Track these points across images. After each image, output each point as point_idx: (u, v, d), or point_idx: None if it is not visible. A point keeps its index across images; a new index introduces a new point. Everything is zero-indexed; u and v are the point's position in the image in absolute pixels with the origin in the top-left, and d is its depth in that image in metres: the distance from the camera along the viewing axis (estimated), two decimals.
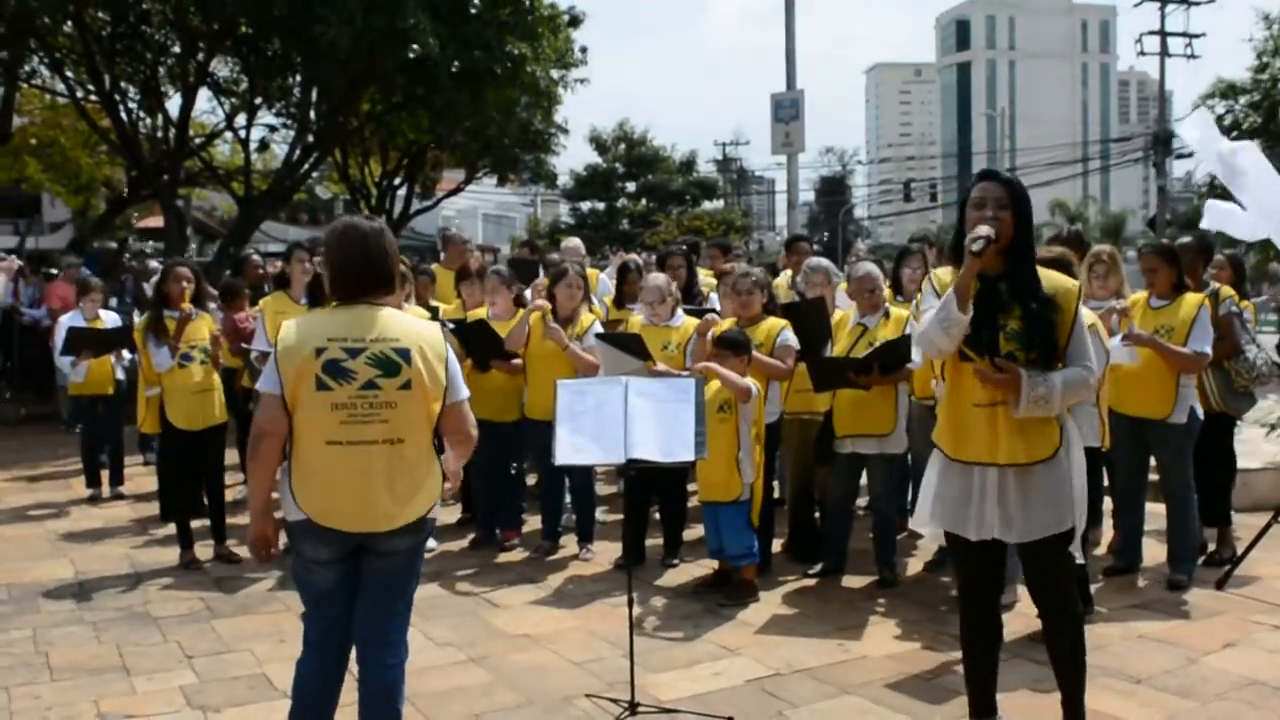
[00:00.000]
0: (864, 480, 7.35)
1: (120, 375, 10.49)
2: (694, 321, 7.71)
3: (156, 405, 7.88)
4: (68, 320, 10.41)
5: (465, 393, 4.21)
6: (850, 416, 6.99)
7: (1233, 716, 4.94)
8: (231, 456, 8.99)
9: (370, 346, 3.94)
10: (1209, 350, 6.69)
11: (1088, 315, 5.07)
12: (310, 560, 4.09)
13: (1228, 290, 7.45)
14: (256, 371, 8.38)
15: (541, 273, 9.98)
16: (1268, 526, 6.98)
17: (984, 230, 4.09)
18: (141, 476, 10.53)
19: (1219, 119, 27.94)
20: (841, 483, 7.19)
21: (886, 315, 7.12)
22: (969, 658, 4.54)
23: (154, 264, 14.94)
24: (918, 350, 6.88)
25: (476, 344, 7.75)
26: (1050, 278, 4.31)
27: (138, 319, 10.23)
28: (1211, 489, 7.40)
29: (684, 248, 9.61)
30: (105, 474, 10.33)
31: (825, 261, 8.47)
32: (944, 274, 4.40)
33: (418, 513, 4.02)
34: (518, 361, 7.74)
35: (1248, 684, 5.27)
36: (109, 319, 10.56)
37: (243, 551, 7.89)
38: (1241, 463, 8.09)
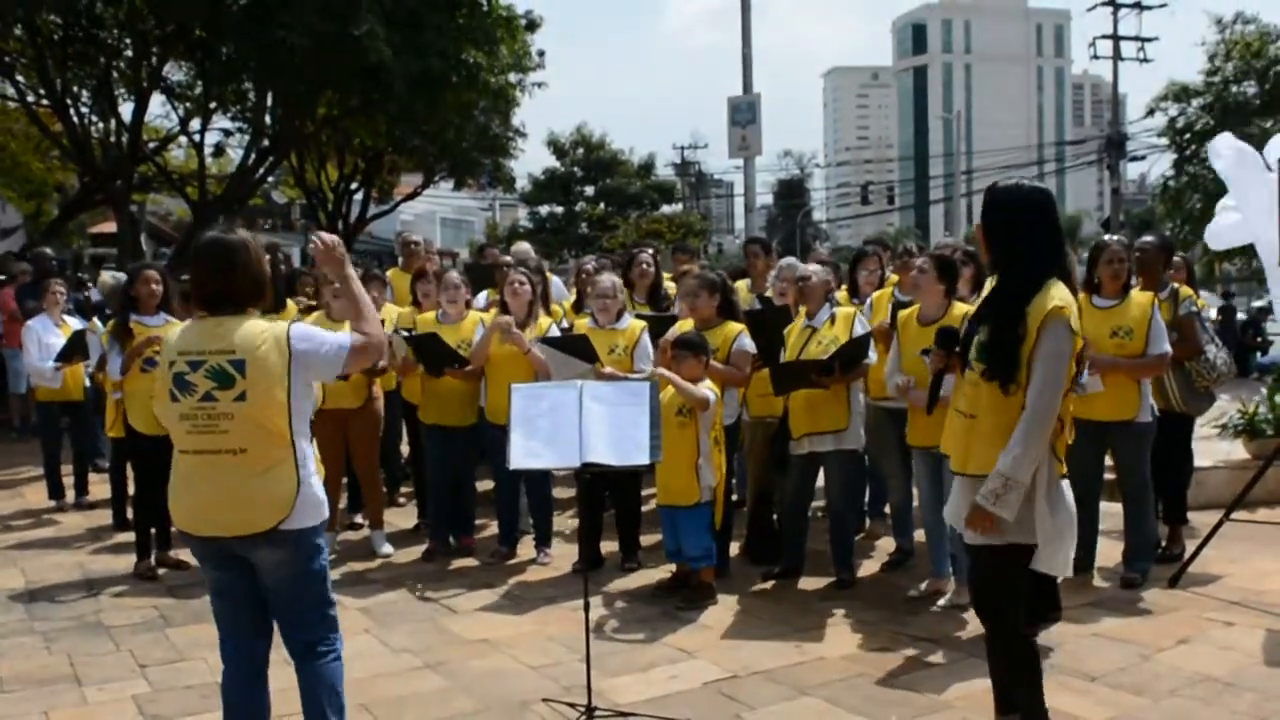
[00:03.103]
0: (822, 482, 7.37)
1: (87, 382, 10.26)
2: (640, 324, 7.69)
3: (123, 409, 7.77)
4: (38, 325, 10.19)
5: (342, 346, 4.07)
6: (805, 416, 6.98)
7: (1185, 713, 4.97)
8: None
9: (209, 359, 3.95)
10: (1169, 348, 6.74)
11: None
12: (196, 556, 4.26)
13: (1187, 290, 7.45)
14: None
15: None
16: (1219, 524, 7.04)
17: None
18: (97, 485, 10.35)
19: (1171, 121, 28.31)
20: (796, 484, 7.20)
21: (832, 319, 7.08)
22: (990, 656, 4.50)
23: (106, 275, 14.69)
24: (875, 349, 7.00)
25: (428, 354, 7.71)
26: (1046, 295, 4.09)
27: (79, 323, 10.09)
28: (1170, 489, 7.48)
29: (650, 250, 9.57)
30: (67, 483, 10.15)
31: (797, 262, 8.48)
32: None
33: (266, 522, 3.94)
34: (472, 368, 7.68)
35: (1200, 680, 5.32)
36: (73, 324, 10.32)
37: (187, 556, 7.85)
38: (1195, 461, 8.14)
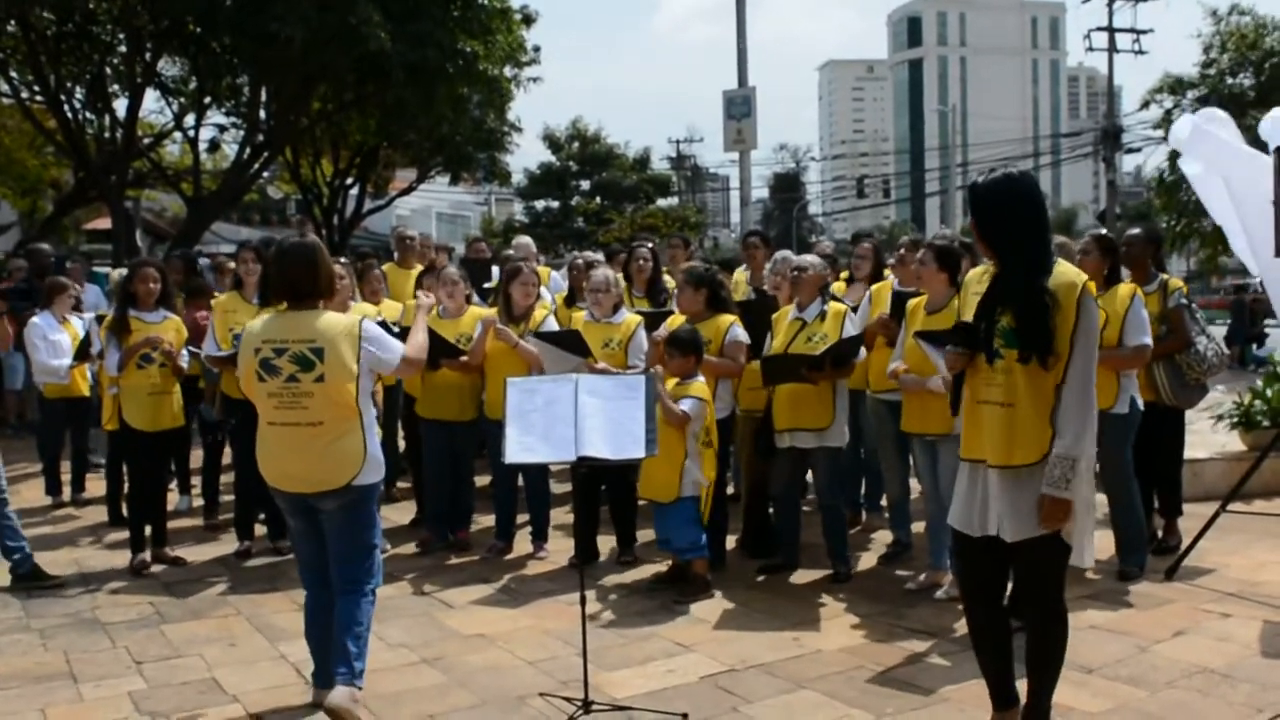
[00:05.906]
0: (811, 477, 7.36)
1: (91, 379, 10.14)
2: (635, 319, 7.67)
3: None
4: (42, 322, 10.10)
5: (397, 357, 5.00)
6: (789, 410, 6.96)
7: (1182, 704, 4.98)
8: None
9: (292, 347, 4.77)
10: (1149, 341, 6.70)
11: None
12: (280, 505, 5.10)
13: (1176, 282, 7.41)
14: (207, 371, 8.27)
15: (495, 272, 9.93)
16: (1216, 516, 7.03)
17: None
18: (93, 482, 10.32)
19: (1167, 113, 28.28)
20: (784, 476, 7.19)
21: (823, 315, 7.03)
22: (980, 655, 4.50)
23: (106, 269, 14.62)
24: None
25: None
26: (1059, 272, 4.13)
27: (80, 321, 10.06)
28: (1164, 481, 7.46)
29: (649, 245, 9.53)
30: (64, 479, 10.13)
31: (792, 255, 8.47)
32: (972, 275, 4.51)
33: (340, 480, 4.80)
34: (470, 362, 7.65)
35: (1197, 671, 5.32)
36: (76, 322, 10.25)
37: (187, 554, 7.86)
38: (1191, 452, 8.13)
